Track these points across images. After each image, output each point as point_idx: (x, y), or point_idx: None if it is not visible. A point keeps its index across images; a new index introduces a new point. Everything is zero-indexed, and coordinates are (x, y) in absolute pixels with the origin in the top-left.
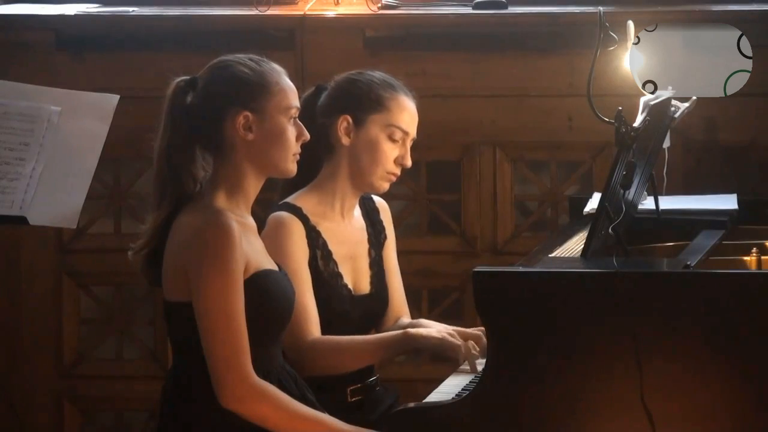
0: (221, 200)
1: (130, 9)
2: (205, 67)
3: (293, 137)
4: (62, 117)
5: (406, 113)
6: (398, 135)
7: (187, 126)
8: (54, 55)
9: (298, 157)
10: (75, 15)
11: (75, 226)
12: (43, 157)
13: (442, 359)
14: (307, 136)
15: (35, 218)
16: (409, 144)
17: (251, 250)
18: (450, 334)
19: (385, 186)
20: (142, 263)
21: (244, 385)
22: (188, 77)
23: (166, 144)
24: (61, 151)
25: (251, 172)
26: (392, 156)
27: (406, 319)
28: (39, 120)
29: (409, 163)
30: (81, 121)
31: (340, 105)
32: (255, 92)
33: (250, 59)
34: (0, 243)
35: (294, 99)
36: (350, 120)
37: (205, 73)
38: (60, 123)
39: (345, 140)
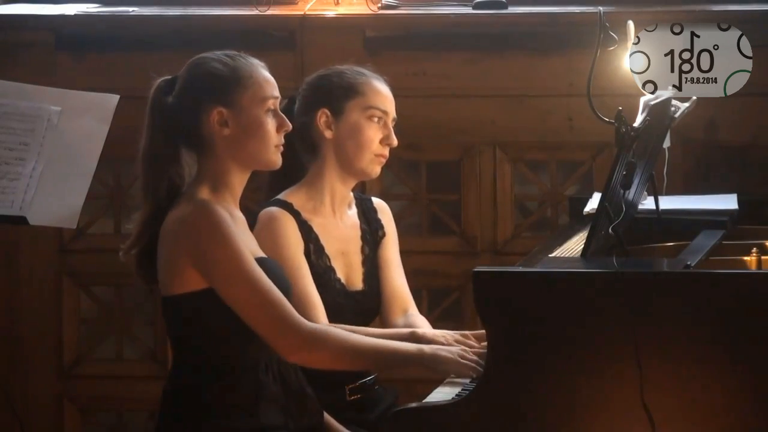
0: (206, 194)
1: (130, 9)
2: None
3: (273, 129)
4: (62, 117)
5: (381, 94)
6: (378, 116)
7: (167, 125)
8: (54, 55)
9: (281, 148)
10: (75, 15)
11: (75, 226)
12: (43, 157)
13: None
14: (289, 126)
15: (35, 218)
16: (391, 124)
17: (243, 237)
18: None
19: (377, 169)
20: (135, 263)
21: (297, 336)
22: (169, 77)
23: (148, 143)
24: (61, 151)
25: (234, 167)
26: (376, 138)
27: (413, 311)
28: (39, 120)
29: (395, 142)
30: (81, 121)
31: (316, 101)
32: (227, 87)
33: (226, 55)
34: (0, 243)
35: (270, 89)
36: (328, 113)
37: (183, 72)
38: (60, 123)
39: (328, 133)
